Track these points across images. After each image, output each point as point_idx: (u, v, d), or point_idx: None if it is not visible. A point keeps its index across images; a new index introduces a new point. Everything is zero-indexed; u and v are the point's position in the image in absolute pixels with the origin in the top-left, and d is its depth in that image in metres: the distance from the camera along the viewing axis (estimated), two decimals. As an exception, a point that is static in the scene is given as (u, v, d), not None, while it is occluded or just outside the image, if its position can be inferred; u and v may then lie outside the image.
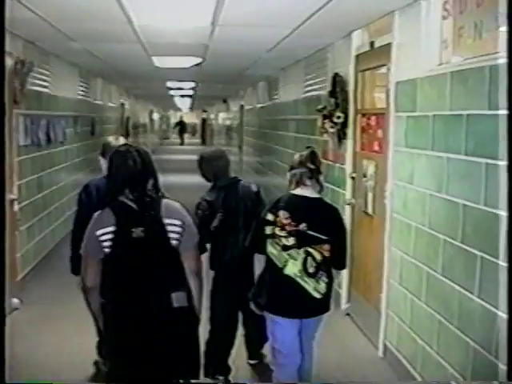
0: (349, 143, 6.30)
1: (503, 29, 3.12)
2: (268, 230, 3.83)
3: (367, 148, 5.95)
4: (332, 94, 6.52)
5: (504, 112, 3.01)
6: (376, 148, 5.68)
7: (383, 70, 5.47)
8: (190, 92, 19.05)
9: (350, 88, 6.23)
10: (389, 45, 5.13)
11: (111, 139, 4.70)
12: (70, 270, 4.56)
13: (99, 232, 3.22)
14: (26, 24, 6.08)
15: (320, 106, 6.85)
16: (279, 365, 4.01)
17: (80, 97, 10.98)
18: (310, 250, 3.80)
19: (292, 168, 4.00)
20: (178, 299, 3.27)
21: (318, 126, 6.95)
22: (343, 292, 6.47)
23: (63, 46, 7.80)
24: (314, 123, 7.21)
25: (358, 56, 6.09)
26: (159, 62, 9.44)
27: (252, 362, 5.08)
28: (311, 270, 3.81)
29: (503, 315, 3.23)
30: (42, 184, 8.04)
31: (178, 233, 3.28)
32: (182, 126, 42.61)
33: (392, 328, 5.06)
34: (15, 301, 6.29)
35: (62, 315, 6.25)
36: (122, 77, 12.96)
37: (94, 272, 3.28)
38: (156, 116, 35.88)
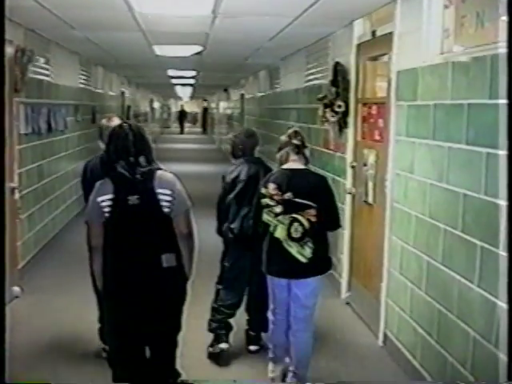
0: (349, 132, 6.30)
1: (504, 18, 3.11)
2: (263, 201, 4.29)
3: (368, 137, 5.95)
4: (333, 83, 6.51)
5: (505, 101, 3.00)
6: (377, 137, 5.67)
7: (385, 59, 5.47)
8: (191, 81, 19.02)
9: (352, 77, 6.21)
10: (390, 34, 5.12)
11: (104, 121, 4.85)
12: None
13: (100, 199, 3.60)
14: (26, 12, 6.07)
15: (321, 95, 6.85)
16: (272, 322, 4.52)
17: (81, 85, 10.97)
18: (296, 216, 4.17)
19: (280, 149, 4.42)
20: (167, 260, 3.63)
21: (318, 115, 6.94)
22: (343, 281, 6.48)
23: (64, 34, 7.79)
24: (315, 112, 7.20)
25: (359, 45, 6.08)
26: (160, 50, 9.43)
27: (252, 348, 5.16)
28: (296, 235, 4.18)
29: (503, 305, 3.23)
30: (42, 172, 8.05)
31: (168, 201, 3.62)
32: (182, 115, 43.04)
33: (392, 317, 5.07)
34: (16, 289, 6.31)
35: (62, 303, 6.27)
36: (123, 65, 12.94)
37: (96, 234, 3.68)
38: (157, 105, 35.83)
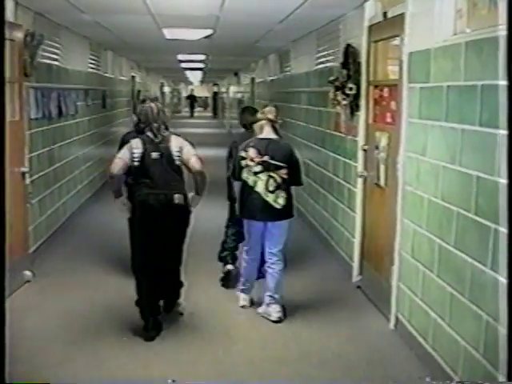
0: (361, 115, 6.25)
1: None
2: (243, 163, 5.43)
3: (380, 120, 5.90)
4: (344, 65, 6.46)
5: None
6: (389, 120, 5.63)
7: (396, 40, 5.41)
8: (201, 65, 18.95)
9: (363, 59, 6.16)
10: (402, 15, 5.05)
11: (140, 103, 5.83)
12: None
13: (133, 151, 5.08)
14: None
15: (332, 78, 6.80)
16: (246, 260, 5.68)
17: (91, 70, 10.95)
18: (271, 173, 5.38)
19: (257, 121, 5.60)
20: (178, 198, 5.10)
21: (330, 97, 6.90)
22: (355, 264, 6.46)
23: (73, 19, 7.77)
24: (326, 95, 7.16)
25: (370, 27, 6.02)
26: (170, 34, 9.38)
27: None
28: (271, 188, 5.38)
29: (517, 288, 3.20)
30: (53, 157, 8.05)
31: (179, 156, 5.12)
32: (192, 100, 43.78)
33: (404, 300, 5.05)
34: (27, 273, 6.33)
35: (73, 287, 6.29)
36: (133, 49, 12.91)
37: (119, 166, 5.08)
38: (167, 89, 35.78)
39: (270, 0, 6.34)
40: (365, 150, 6.18)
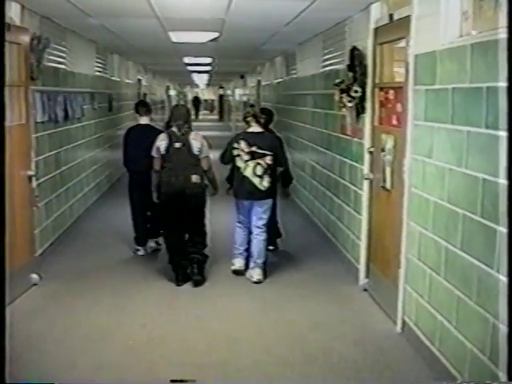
0: (367, 117, 6.24)
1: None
2: (235, 152, 6.58)
3: (385, 122, 5.89)
4: (350, 68, 6.45)
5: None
6: (394, 122, 5.62)
7: (402, 42, 5.40)
8: (207, 68, 18.96)
9: (369, 61, 6.15)
10: (408, 17, 5.05)
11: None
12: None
13: (159, 144, 6.43)
14: (41, 0, 6.06)
15: (338, 80, 6.79)
16: (238, 230, 6.91)
17: (97, 73, 10.97)
18: (259, 160, 6.53)
19: (245, 118, 6.77)
20: (195, 178, 6.37)
21: (335, 100, 6.89)
22: (361, 267, 6.45)
23: (80, 22, 7.79)
24: (332, 98, 7.15)
25: (376, 29, 6.01)
26: (176, 37, 9.39)
27: (270, 247, 7.43)
28: (258, 172, 6.52)
29: (523, 290, 3.19)
30: (59, 160, 8.07)
31: (198, 148, 6.40)
32: (196, 102, 45.08)
33: (410, 303, 5.03)
34: (34, 276, 6.34)
35: (79, 290, 6.30)
36: (139, 53, 12.92)
37: (159, 163, 6.44)
38: (173, 92, 35.81)
39: (275, 3, 6.34)
40: (371, 153, 6.17)
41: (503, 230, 3.38)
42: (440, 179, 4.39)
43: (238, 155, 6.54)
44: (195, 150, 6.35)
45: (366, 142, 6.27)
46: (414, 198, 4.94)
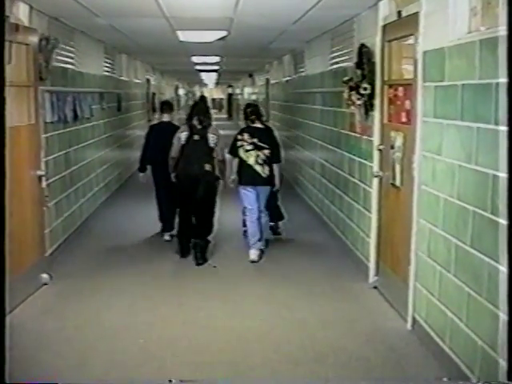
0: (376, 115, 6.23)
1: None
2: (239, 143, 7.43)
3: (395, 119, 5.88)
4: (358, 65, 6.44)
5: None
6: (404, 119, 5.60)
7: (411, 39, 5.38)
8: (216, 67, 18.97)
9: (377, 59, 6.14)
10: (416, 14, 5.03)
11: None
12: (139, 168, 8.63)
13: (180, 135, 7.36)
14: (50, 0, 6.08)
15: (346, 78, 6.78)
16: (248, 216, 7.56)
17: (106, 73, 11.00)
18: (259, 152, 7.37)
19: (246, 116, 7.63)
20: (208, 166, 7.23)
21: (344, 98, 6.88)
22: (371, 265, 6.44)
23: (88, 23, 7.81)
24: (341, 96, 7.14)
25: (384, 26, 5.99)
26: (184, 36, 9.40)
27: (273, 236, 8.36)
28: (260, 161, 7.36)
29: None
30: (69, 160, 8.09)
31: (213, 140, 7.30)
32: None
33: (420, 301, 5.02)
34: (44, 276, 6.36)
35: (90, 290, 6.32)
36: (147, 52, 12.95)
37: (176, 150, 7.34)
38: (182, 92, 35.84)
39: (283, 1, 6.33)
40: (380, 150, 6.15)
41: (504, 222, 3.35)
42: (450, 176, 4.37)
43: (242, 146, 7.38)
44: (211, 143, 7.26)
45: (376, 140, 6.26)
46: (423, 195, 4.93)
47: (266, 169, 7.35)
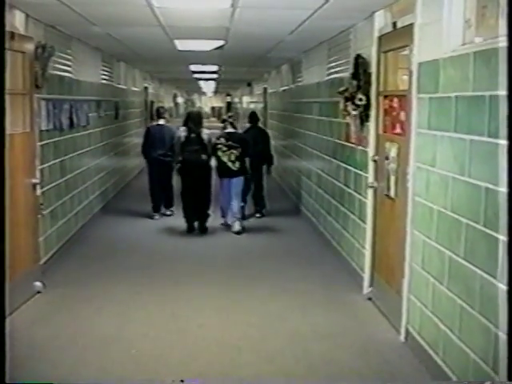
0: (371, 125, 6.23)
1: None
2: (217, 146, 9.33)
3: (390, 130, 5.88)
4: (354, 76, 6.44)
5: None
6: (398, 130, 5.60)
7: (406, 51, 5.39)
8: (214, 75, 18.99)
9: (373, 69, 6.14)
10: (411, 25, 5.04)
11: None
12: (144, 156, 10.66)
13: (180, 134, 9.30)
14: (46, 8, 6.08)
15: (341, 89, 6.78)
16: (222, 201, 9.70)
17: (103, 81, 11.00)
18: (232, 150, 9.29)
19: (223, 121, 9.89)
20: (204, 157, 9.19)
21: (340, 108, 6.88)
22: (366, 276, 6.43)
23: (85, 31, 7.81)
24: (337, 106, 7.15)
25: (380, 37, 6.00)
26: (181, 45, 9.42)
27: (258, 215, 10.59)
28: (232, 159, 9.30)
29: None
30: (65, 168, 8.08)
31: (206, 138, 9.24)
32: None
33: (414, 313, 5.01)
34: (38, 284, 6.34)
35: (83, 298, 6.30)
36: (145, 61, 12.96)
37: (178, 146, 9.26)
38: (180, 100, 35.87)
39: (278, 12, 6.34)
40: (375, 161, 6.15)
41: (505, 239, 3.35)
42: (443, 188, 4.36)
43: (219, 148, 9.34)
44: (204, 140, 9.24)
45: (371, 150, 6.26)
46: (417, 207, 4.92)
47: (237, 164, 9.33)
